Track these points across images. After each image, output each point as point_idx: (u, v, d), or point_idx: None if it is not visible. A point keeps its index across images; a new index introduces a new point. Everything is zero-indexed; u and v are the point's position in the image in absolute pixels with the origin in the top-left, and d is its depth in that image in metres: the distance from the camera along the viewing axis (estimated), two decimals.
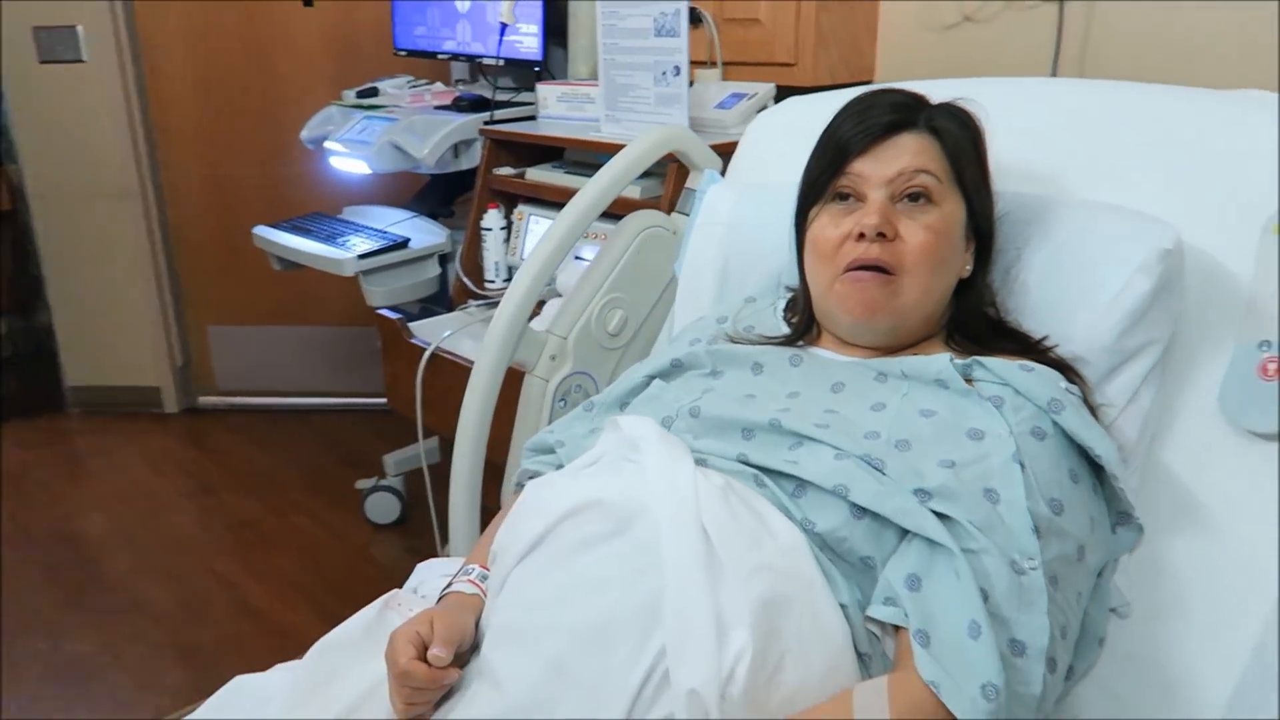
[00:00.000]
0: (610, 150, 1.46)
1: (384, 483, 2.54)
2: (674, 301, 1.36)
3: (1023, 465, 0.82)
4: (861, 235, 0.92)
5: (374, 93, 2.40)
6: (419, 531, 2.54)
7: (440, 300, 2.18)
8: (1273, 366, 0.87)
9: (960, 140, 0.95)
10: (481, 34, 2.32)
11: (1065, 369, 0.91)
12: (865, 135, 0.95)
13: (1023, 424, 0.85)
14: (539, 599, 0.82)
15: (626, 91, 1.77)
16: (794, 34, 1.94)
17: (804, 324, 1.05)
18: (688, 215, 1.45)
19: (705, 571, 0.77)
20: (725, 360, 1.03)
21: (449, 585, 0.95)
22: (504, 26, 2.02)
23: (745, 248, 1.23)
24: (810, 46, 1.95)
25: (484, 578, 0.94)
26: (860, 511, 0.82)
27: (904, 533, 0.82)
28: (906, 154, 0.94)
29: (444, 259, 2.17)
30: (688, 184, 1.46)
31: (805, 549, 0.81)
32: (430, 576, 1.12)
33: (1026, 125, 1.09)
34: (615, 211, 1.48)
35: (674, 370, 1.06)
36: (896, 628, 0.80)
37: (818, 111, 1.27)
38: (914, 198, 0.93)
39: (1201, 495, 0.91)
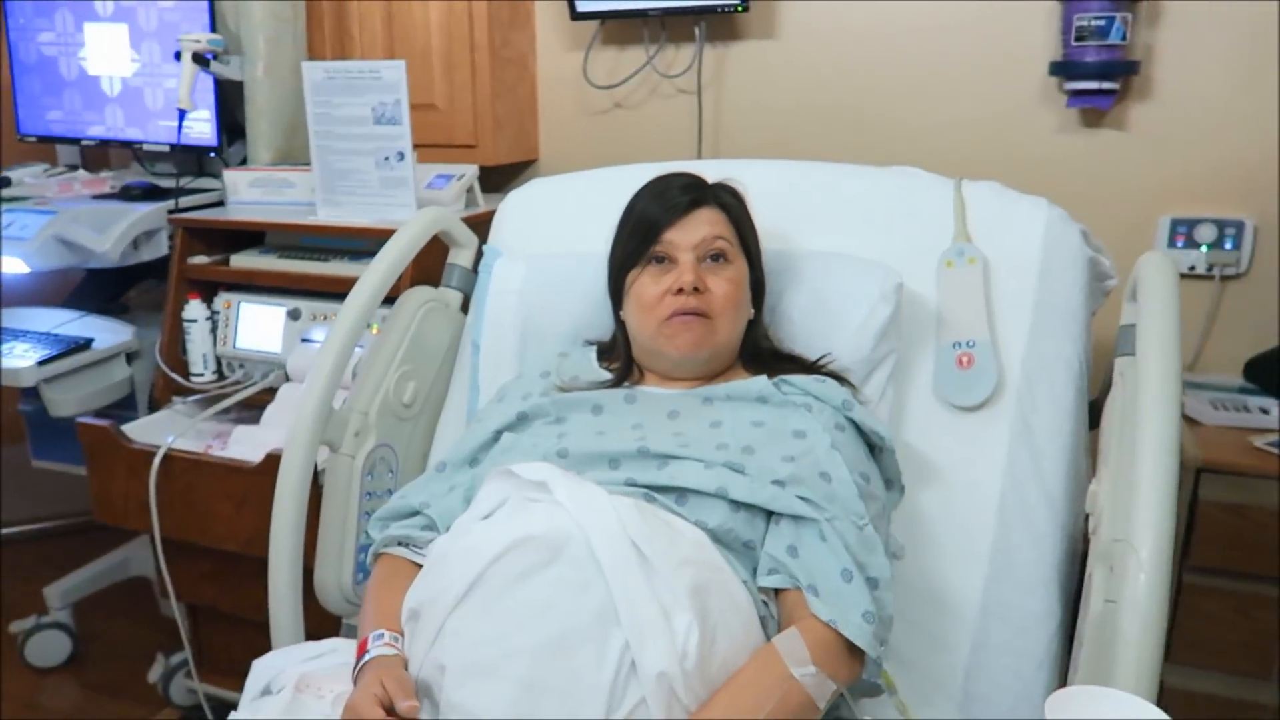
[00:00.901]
0: (333, 233, 1.68)
1: (47, 620, 2.25)
2: (456, 368, 1.48)
3: (839, 451, 1.08)
4: (681, 290, 1.15)
5: (7, 183, 2.16)
6: (100, 664, 2.28)
7: (130, 402, 2.02)
8: (965, 359, 1.23)
9: (739, 212, 1.22)
10: (138, 119, 2.20)
11: (840, 378, 1.20)
12: (673, 211, 1.18)
13: (828, 422, 1.11)
14: (489, 634, 0.91)
15: (346, 176, 1.84)
16: (473, 119, 2.14)
17: (625, 367, 1.24)
18: (455, 288, 1.57)
19: (642, 573, 0.92)
20: (567, 407, 1.19)
21: (363, 657, 0.97)
22: (182, 113, 1.96)
23: (541, 311, 1.40)
24: (489, 130, 2.16)
25: (396, 639, 0.99)
26: (737, 506, 1.03)
27: (768, 516, 1.04)
28: (706, 224, 1.19)
29: (130, 357, 2.02)
30: (450, 260, 1.58)
31: (708, 542, 1.00)
32: (288, 665, 1.10)
33: (767, 197, 1.37)
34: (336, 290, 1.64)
35: (521, 422, 1.19)
36: (777, 591, 1.01)
37: (560, 191, 1.49)
38: (715, 258, 1.18)
39: (934, 458, 1.25)
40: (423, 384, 1.48)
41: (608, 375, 1.24)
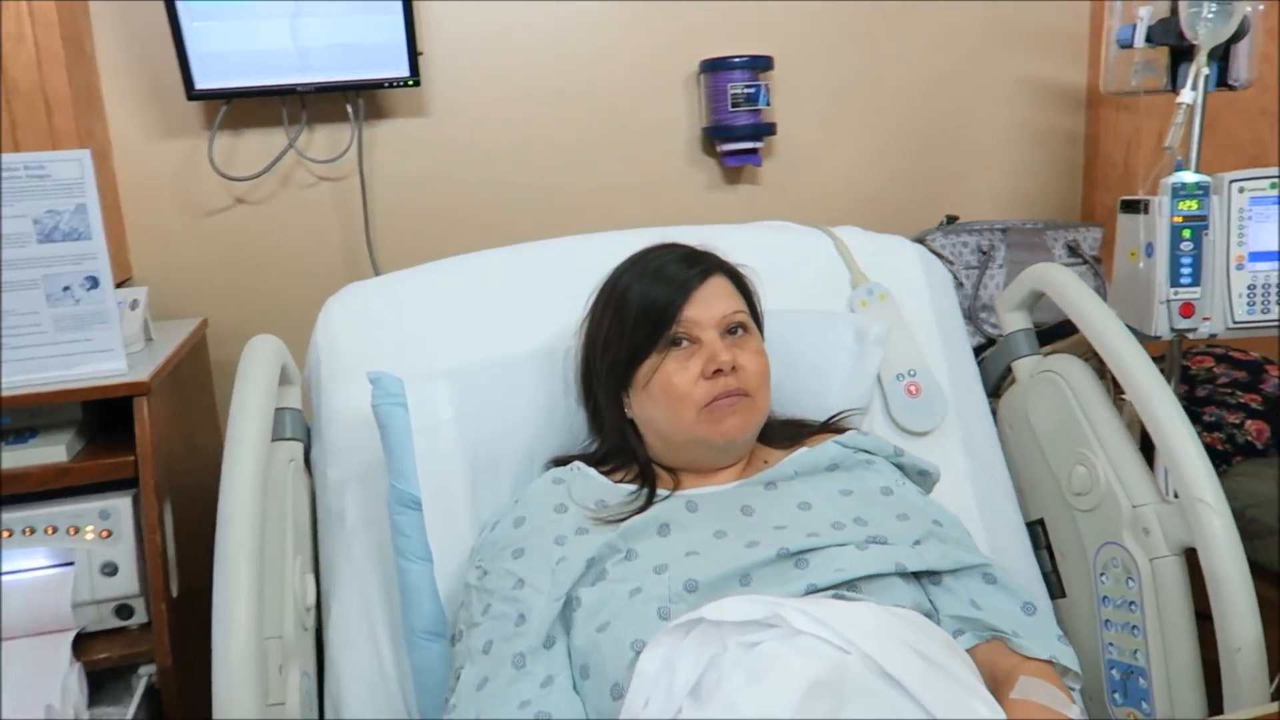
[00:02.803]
0: None
1: None
2: (371, 545, 1.11)
3: (924, 497, 1.08)
4: (718, 370, 1.03)
5: None
6: None
7: None
8: (913, 388, 1.31)
9: (742, 278, 1.12)
10: None
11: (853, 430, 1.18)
12: (686, 287, 1.05)
13: (894, 472, 1.10)
14: None
15: None
16: None
17: (648, 474, 1.07)
18: (292, 439, 1.17)
19: (934, 672, 0.82)
20: (634, 537, 0.99)
21: None
22: None
23: (490, 438, 1.11)
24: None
25: None
26: (908, 578, 0.97)
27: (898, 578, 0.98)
28: (722, 297, 1.08)
29: None
30: (278, 404, 1.16)
31: (927, 620, 0.92)
32: None
33: None
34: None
35: (591, 571, 0.95)
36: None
37: (388, 294, 1.24)
38: (733, 331, 1.08)
39: None
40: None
41: (627, 489, 1.05)
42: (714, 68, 2.04)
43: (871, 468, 1.09)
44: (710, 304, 1.06)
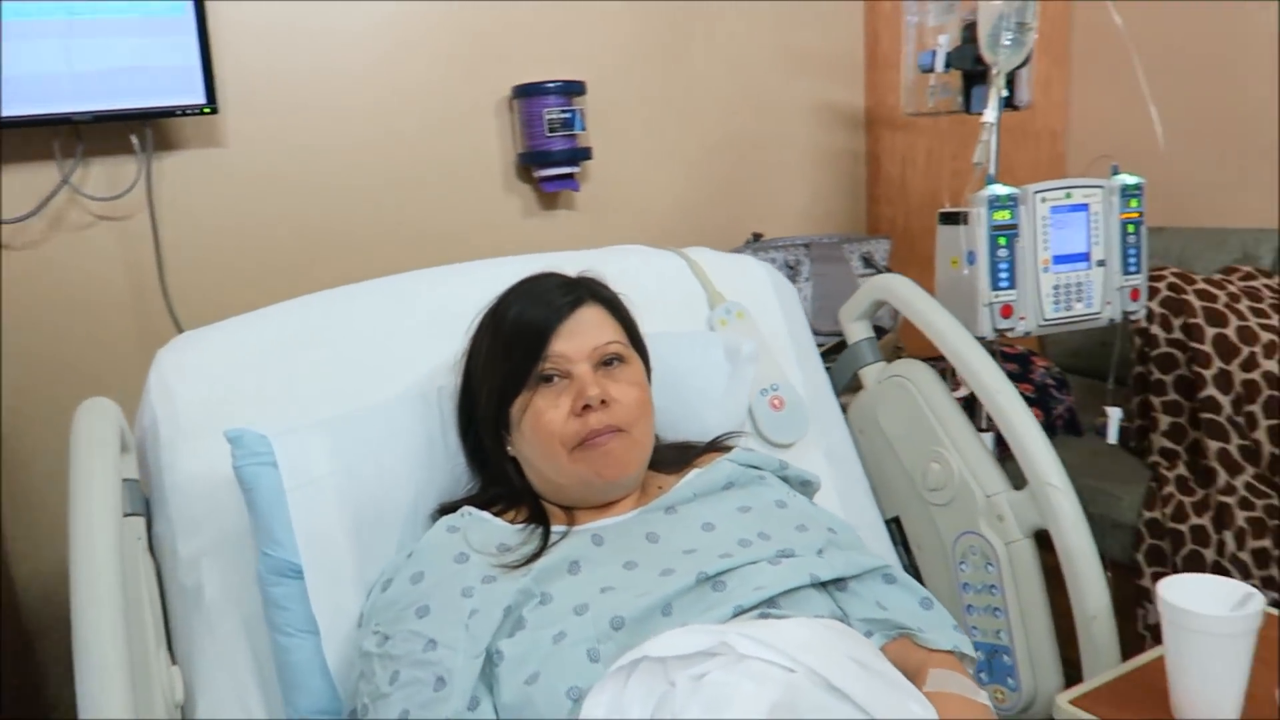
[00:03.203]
0: None
1: None
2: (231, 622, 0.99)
3: (814, 505, 1.11)
4: (587, 406, 0.99)
5: None
6: None
7: None
8: (777, 401, 1.34)
9: (620, 305, 1.10)
10: None
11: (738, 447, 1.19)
12: (554, 318, 1.01)
13: (782, 484, 1.12)
14: None
15: None
16: None
17: (538, 512, 1.03)
18: (134, 514, 1.02)
19: (875, 679, 0.84)
20: (546, 579, 0.95)
21: None
22: None
23: (367, 488, 1.03)
24: None
25: None
26: (822, 588, 0.99)
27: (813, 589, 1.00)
28: (595, 328, 1.03)
29: None
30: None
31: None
32: None
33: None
34: None
35: (509, 621, 0.90)
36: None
37: (219, 345, 1.15)
38: (608, 362, 1.04)
39: None
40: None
41: (516, 529, 1.00)
42: (528, 93, 2.02)
43: (764, 483, 1.10)
44: (581, 336, 1.02)
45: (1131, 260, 1.50)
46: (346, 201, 1.93)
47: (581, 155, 2.08)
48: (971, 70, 1.59)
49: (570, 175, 2.10)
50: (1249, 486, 1.60)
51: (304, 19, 1.83)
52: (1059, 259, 1.46)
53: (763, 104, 2.41)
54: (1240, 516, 1.56)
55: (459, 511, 1.02)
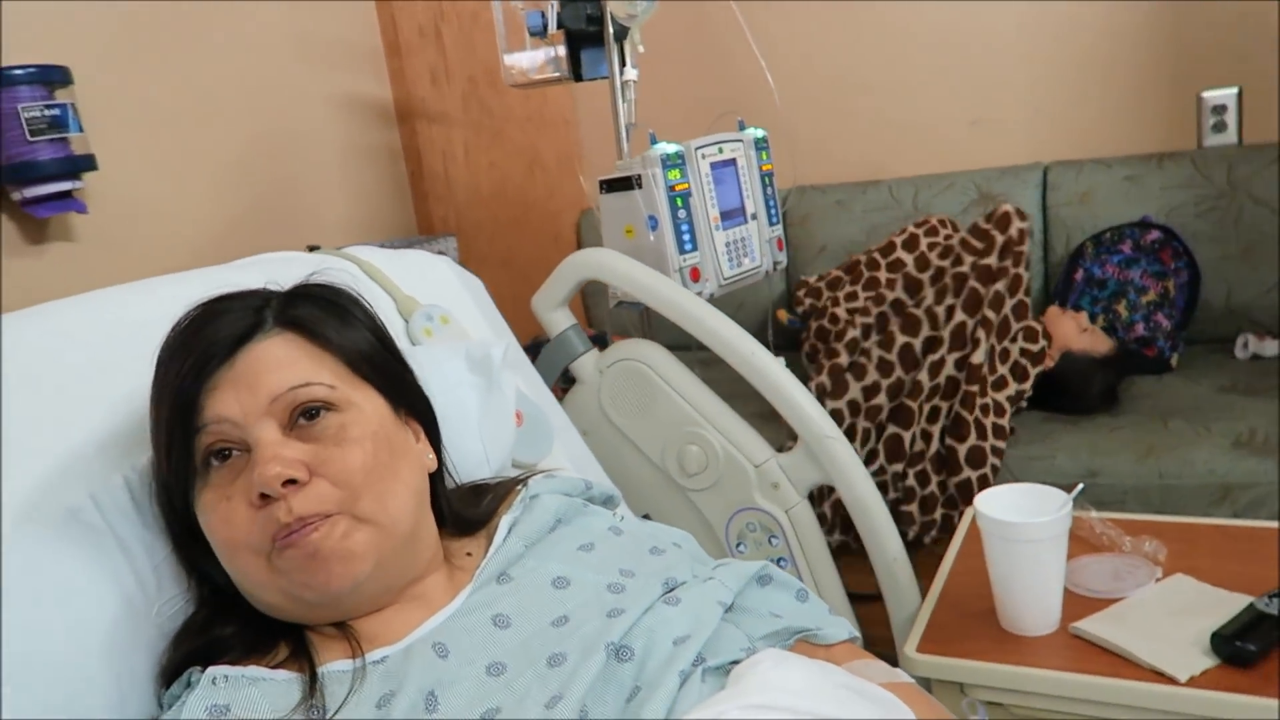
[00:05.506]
0: None
1: None
2: None
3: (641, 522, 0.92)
4: (265, 496, 0.66)
5: None
6: None
7: None
8: (518, 416, 1.10)
9: (330, 324, 0.76)
10: None
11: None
12: (207, 365, 0.69)
13: (600, 508, 0.92)
14: None
15: None
16: None
17: (302, 648, 0.69)
18: None
19: (853, 694, 0.72)
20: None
21: None
22: None
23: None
24: None
25: None
26: (726, 610, 0.81)
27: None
28: (274, 367, 0.70)
29: None
30: None
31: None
32: None
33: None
34: None
35: None
36: None
37: None
38: (309, 415, 0.71)
39: None
40: None
41: (293, 677, 0.66)
42: None
43: (586, 510, 0.88)
44: (252, 383, 0.69)
45: (773, 212, 1.52)
46: None
47: (83, 165, 1.56)
48: (583, 31, 1.48)
49: (69, 193, 1.56)
50: None
51: None
52: (726, 216, 1.42)
53: (287, 99, 2.06)
54: None
55: (206, 679, 0.64)
